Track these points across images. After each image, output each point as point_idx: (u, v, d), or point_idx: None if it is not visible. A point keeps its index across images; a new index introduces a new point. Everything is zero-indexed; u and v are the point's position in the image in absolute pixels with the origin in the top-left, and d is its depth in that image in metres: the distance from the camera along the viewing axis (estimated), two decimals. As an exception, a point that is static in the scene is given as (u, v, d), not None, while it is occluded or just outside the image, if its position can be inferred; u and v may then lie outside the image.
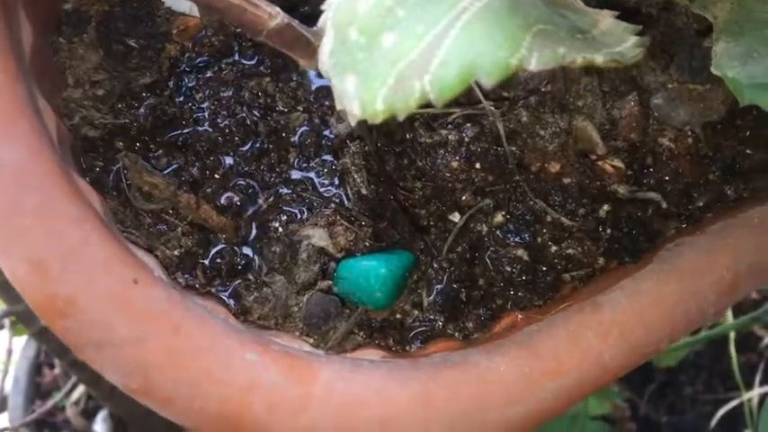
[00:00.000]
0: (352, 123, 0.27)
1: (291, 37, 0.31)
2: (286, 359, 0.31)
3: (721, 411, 0.94)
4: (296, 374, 0.30)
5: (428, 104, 0.40)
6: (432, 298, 0.38)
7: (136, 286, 0.29)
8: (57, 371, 1.04)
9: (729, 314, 0.85)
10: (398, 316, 0.38)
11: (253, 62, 0.40)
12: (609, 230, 0.39)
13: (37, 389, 1.03)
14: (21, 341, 1.03)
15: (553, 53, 0.26)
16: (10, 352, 0.99)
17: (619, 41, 0.28)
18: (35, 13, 0.35)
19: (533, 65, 0.25)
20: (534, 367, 0.33)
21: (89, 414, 1.01)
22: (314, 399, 0.30)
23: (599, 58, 0.26)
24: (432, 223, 0.39)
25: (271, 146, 0.39)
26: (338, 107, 0.27)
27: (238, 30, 0.40)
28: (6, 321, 0.97)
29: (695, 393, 1.04)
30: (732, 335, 0.88)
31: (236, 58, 0.40)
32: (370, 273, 0.36)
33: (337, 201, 0.38)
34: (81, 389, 1.00)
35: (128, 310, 0.28)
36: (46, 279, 0.27)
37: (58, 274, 0.27)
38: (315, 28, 0.32)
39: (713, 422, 0.95)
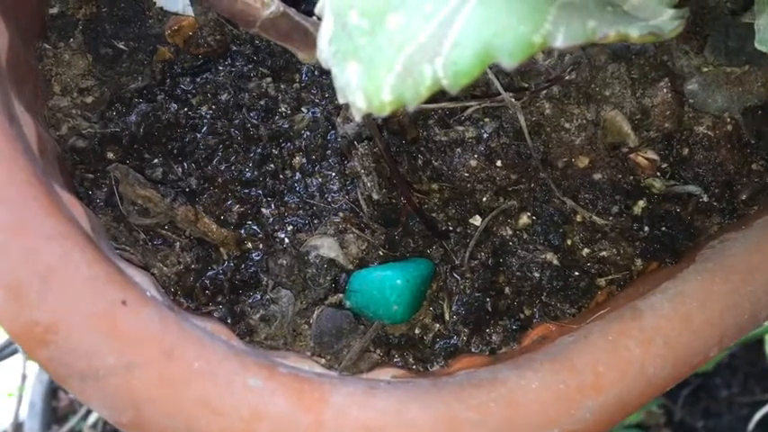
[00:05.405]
0: (357, 117, 0.24)
1: (288, 27, 0.29)
2: (294, 383, 0.27)
3: (759, 414, 0.90)
4: (305, 401, 0.27)
5: (441, 98, 0.37)
6: (454, 309, 0.35)
7: (124, 308, 0.26)
8: (72, 394, 1.02)
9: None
10: (418, 331, 0.34)
11: (252, 63, 0.38)
12: (646, 229, 0.36)
13: (53, 413, 1.01)
14: (35, 365, 1.01)
15: (582, 27, 0.22)
16: (24, 377, 0.96)
17: (654, 14, 0.25)
18: (15, 18, 0.33)
19: (560, 41, 0.22)
20: (570, 384, 0.29)
21: (106, 438, 0.98)
22: (325, 427, 0.26)
23: (634, 33, 0.23)
24: (451, 228, 0.36)
25: (274, 151, 0.36)
26: (340, 100, 0.24)
27: (235, 29, 0.38)
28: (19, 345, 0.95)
29: (731, 396, 1.01)
30: (768, 335, 0.84)
31: (234, 58, 0.38)
32: (386, 284, 0.33)
33: (347, 207, 0.35)
34: (97, 412, 0.97)
35: (115, 335, 0.25)
36: (22, 304, 0.25)
37: (36, 297, 0.25)
38: (314, 17, 0.30)
39: (751, 425, 0.91)
